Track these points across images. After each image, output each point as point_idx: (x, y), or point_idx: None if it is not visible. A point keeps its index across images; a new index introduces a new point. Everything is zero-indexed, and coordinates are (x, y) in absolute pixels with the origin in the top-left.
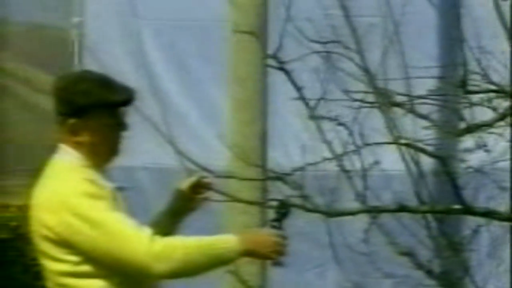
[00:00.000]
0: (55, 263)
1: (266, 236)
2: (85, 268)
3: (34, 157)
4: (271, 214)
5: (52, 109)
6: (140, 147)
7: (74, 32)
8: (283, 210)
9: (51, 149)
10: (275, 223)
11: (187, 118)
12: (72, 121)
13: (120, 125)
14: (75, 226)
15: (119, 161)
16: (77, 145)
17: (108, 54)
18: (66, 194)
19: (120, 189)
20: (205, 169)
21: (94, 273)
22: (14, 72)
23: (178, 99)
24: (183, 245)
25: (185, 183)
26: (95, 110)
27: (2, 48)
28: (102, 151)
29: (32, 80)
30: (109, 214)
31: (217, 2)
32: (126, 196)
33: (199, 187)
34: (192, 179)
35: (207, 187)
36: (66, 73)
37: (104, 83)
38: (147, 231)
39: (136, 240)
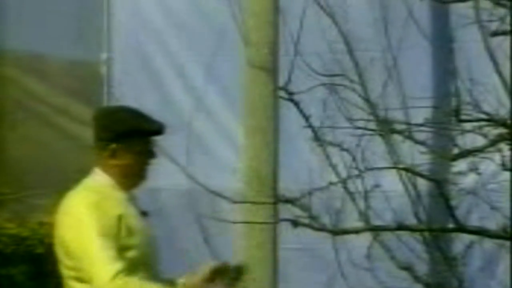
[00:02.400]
0: (64, 269)
1: None
2: (81, 273)
3: (68, 179)
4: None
5: (86, 136)
6: (164, 170)
7: (103, 67)
8: (239, 274)
9: (85, 172)
10: (230, 281)
11: (207, 144)
12: (113, 146)
13: (151, 152)
14: (70, 223)
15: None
16: (113, 168)
17: (133, 87)
18: (77, 203)
19: (145, 213)
20: (219, 195)
21: (86, 278)
22: (49, 102)
23: (198, 127)
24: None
25: (200, 272)
26: (133, 137)
27: (41, 81)
28: (134, 174)
29: (68, 110)
30: (97, 237)
31: (233, 39)
32: (150, 219)
33: (217, 273)
34: (209, 267)
35: (225, 273)
36: (105, 106)
37: (139, 114)
38: (118, 266)
39: (103, 268)
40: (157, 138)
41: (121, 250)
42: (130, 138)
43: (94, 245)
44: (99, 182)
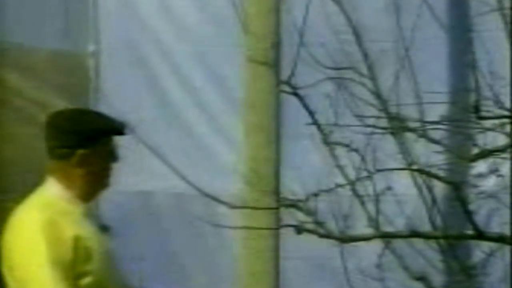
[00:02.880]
0: None
1: None
2: None
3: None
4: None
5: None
6: (158, 171)
7: (90, 59)
8: None
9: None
10: None
11: (204, 144)
12: (81, 151)
13: (116, 155)
14: (20, 243)
15: (137, 186)
16: (75, 177)
17: (122, 82)
18: (30, 220)
19: (105, 228)
20: (216, 198)
21: None
22: (33, 98)
23: (195, 125)
24: None
25: None
26: (99, 139)
27: (22, 74)
28: (98, 182)
29: (51, 107)
30: (49, 265)
31: (231, 29)
32: (114, 234)
33: None
34: None
35: None
36: (57, 110)
37: (99, 114)
38: None
39: None
40: (120, 139)
41: (76, 278)
42: (96, 141)
43: (45, 275)
44: (54, 195)
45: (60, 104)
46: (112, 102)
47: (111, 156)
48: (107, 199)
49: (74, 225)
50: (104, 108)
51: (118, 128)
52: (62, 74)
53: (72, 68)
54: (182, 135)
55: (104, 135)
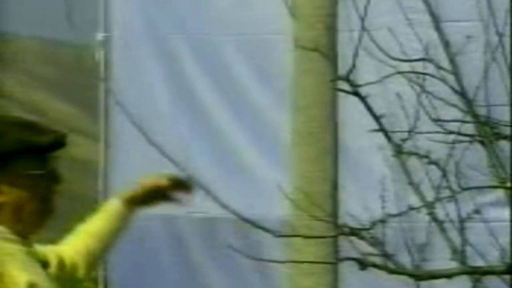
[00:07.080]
0: None
1: None
2: None
3: None
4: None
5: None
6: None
7: (99, 51)
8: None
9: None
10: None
11: (240, 154)
12: None
13: (51, 176)
14: None
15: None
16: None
17: (140, 79)
18: None
19: (45, 264)
20: (257, 225)
21: None
22: (24, 101)
23: (227, 130)
24: None
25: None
26: (17, 157)
27: (7, 71)
28: (29, 213)
29: (46, 112)
30: None
31: (277, 12)
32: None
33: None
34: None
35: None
36: None
37: (25, 123)
38: None
39: None
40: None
41: None
42: (14, 159)
43: None
44: None
45: (59, 106)
46: (127, 104)
47: (42, 178)
48: None
49: (23, 268)
50: (116, 113)
51: (46, 143)
52: (61, 68)
53: (75, 62)
54: (213, 146)
55: (17, 154)
